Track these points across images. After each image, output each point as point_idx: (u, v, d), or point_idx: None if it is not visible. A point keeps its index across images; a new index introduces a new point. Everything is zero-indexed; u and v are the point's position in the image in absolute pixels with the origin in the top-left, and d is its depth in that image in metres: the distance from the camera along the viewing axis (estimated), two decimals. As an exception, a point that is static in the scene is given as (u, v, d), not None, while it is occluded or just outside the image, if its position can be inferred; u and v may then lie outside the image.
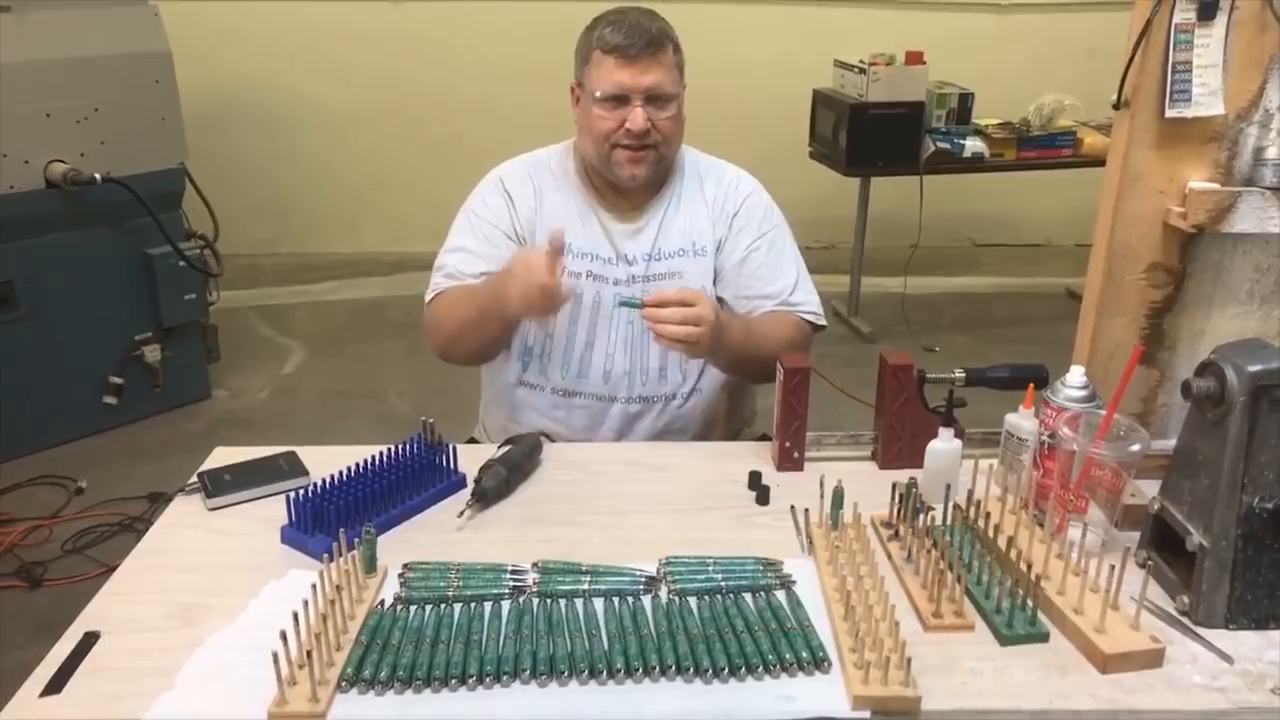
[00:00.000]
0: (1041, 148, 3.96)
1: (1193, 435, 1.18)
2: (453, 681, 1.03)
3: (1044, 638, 1.12)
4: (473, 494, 1.38)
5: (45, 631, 1.20)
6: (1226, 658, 1.09)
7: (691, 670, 1.05)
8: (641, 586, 1.19)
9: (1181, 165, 1.31)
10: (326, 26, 4.61)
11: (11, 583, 2.49)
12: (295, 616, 1.04)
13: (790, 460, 1.48)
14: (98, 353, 3.18)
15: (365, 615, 1.13)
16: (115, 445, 3.17)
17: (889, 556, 1.26)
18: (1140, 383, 1.40)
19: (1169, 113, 1.26)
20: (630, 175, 1.62)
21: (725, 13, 4.68)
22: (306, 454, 1.48)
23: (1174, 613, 1.16)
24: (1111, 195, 1.32)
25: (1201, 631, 1.13)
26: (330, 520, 1.26)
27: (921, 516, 1.26)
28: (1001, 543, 1.21)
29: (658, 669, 1.05)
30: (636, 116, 1.57)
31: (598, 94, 1.59)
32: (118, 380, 3.21)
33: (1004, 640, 1.11)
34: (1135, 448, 1.20)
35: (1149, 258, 1.35)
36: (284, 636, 1.00)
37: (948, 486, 1.28)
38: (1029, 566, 1.13)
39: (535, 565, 1.23)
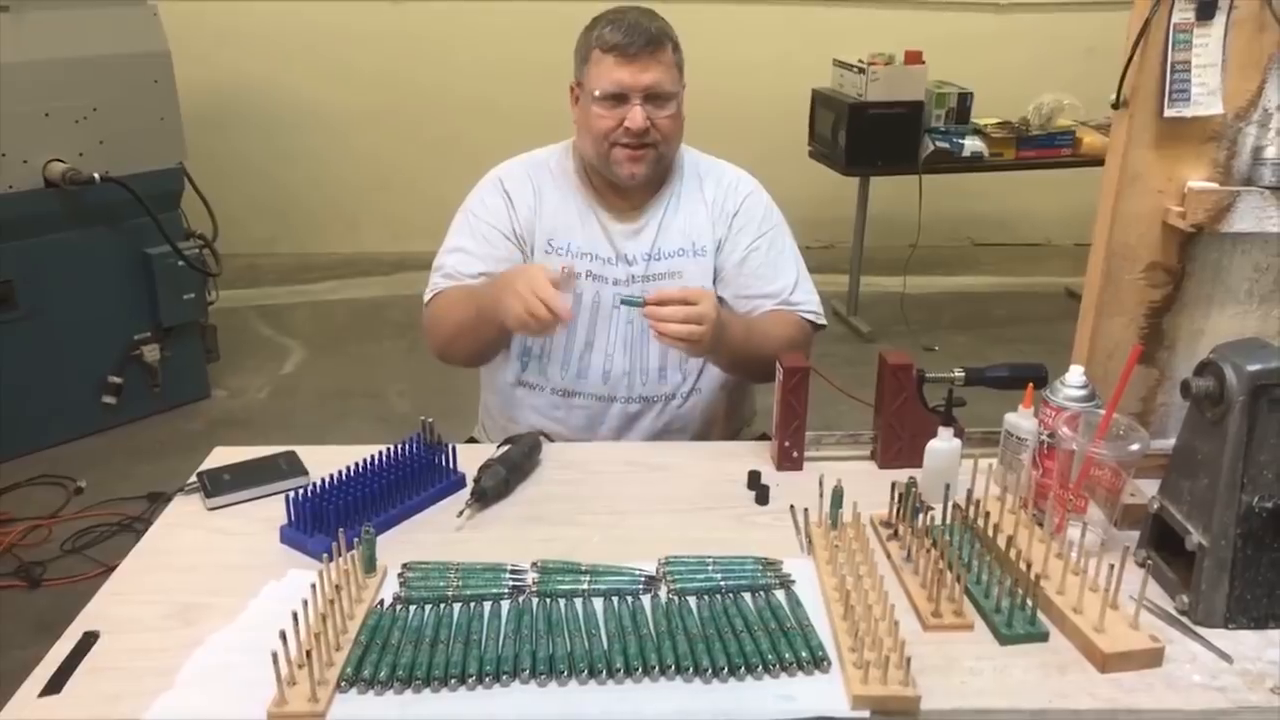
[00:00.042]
0: (1040, 147, 3.96)
1: (1192, 435, 1.18)
2: (452, 681, 1.03)
3: (1043, 637, 1.12)
4: (472, 494, 1.38)
5: (44, 631, 1.20)
6: (1226, 657, 1.09)
7: (691, 670, 1.05)
8: (641, 586, 1.19)
9: (1180, 165, 1.31)
10: (326, 26, 4.61)
11: (11, 582, 2.49)
12: (295, 616, 1.04)
13: (790, 460, 1.48)
14: (97, 352, 3.18)
15: (365, 615, 1.13)
16: (114, 445, 3.16)
17: (888, 556, 1.26)
18: (1139, 382, 1.40)
19: (1168, 112, 1.26)
20: (629, 174, 1.62)
21: (725, 13, 4.68)
22: (306, 454, 1.48)
23: (1173, 612, 1.16)
24: (1110, 195, 1.32)
25: (1201, 631, 1.13)
26: (330, 520, 1.26)
27: (921, 516, 1.26)
28: (1001, 542, 1.21)
29: (657, 669, 1.05)
30: (636, 115, 1.57)
31: (597, 93, 1.59)
32: (117, 380, 3.21)
33: (1003, 640, 1.11)
34: (1134, 447, 1.20)
35: (1148, 257, 1.35)
36: (283, 636, 1.00)
37: (947, 486, 1.28)
38: (1028, 566, 1.13)
39: (535, 565, 1.23)
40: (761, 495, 1.41)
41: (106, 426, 3.22)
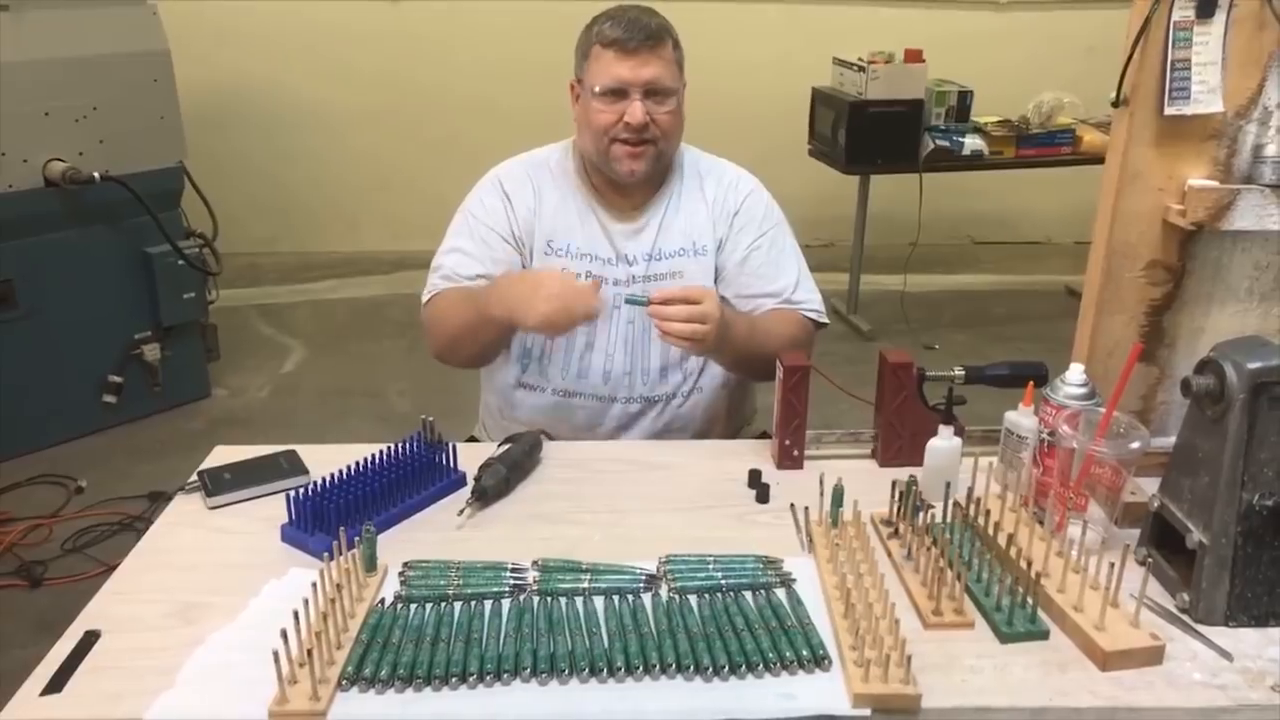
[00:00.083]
0: (1041, 145, 3.96)
1: (1192, 433, 1.18)
2: (453, 680, 1.03)
3: (1044, 635, 1.12)
4: (473, 492, 1.38)
5: (45, 630, 1.20)
6: (1226, 655, 1.09)
7: (692, 668, 1.05)
8: (642, 585, 1.19)
9: (1181, 163, 1.31)
10: (326, 26, 4.61)
11: (12, 582, 2.49)
12: (296, 615, 1.04)
13: (790, 458, 1.48)
14: (97, 352, 3.18)
15: (366, 614, 1.13)
16: (115, 444, 3.17)
17: (889, 554, 1.26)
18: (1140, 380, 1.40)
19: (1168, 110, 1.26)
20: (629, 170, 1.62)
21: (725, 12, 4.68)
22: (306, 453, 1.48)
23: (1174, 610, 1.16)
24: (1111, 193, 1.32)
25: (1201, 629, 1.13)
26: (330, 519, 1.26)
27: (921, 514, 1.26)
28: (1001, 540, 1.21)
29: (658, 667, 1.05)
30: (635, 110, 1.57)
31: (597, 88, 1.59)
32: (117, 379, 3.21)
33: (1004, 638, 1.11)
34: (1135, 445, 1.20)
35: (1148, 255, 1.35)
36: (284, 635, 1.00)
37: (947, 484, 1.28)
38: (1029, 564, 1.13)
39: (535, 563, 1.23)
40: (762, 494, 1.41)
41: (107, 426, 3.22)
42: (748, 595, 1.17)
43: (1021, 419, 1.34)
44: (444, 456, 1.44)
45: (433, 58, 4.72)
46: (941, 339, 4.04)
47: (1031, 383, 1.35)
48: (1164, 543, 1.22)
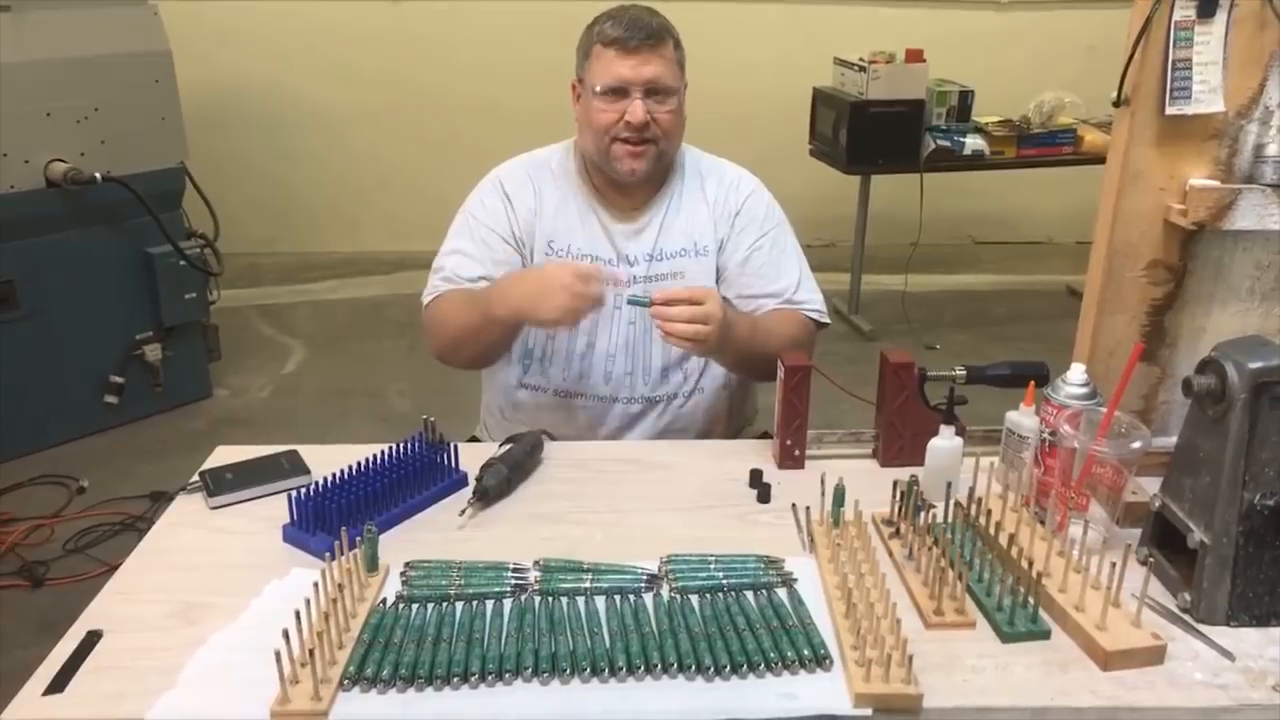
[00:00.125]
0: (1042, 145, 3.96)
1: (1194, 432, 1.18)
2: (455, 680, 1.03)
3: (1045, 635, 1.12)
4: (474, 492, 1.38)
5: (47, 631, 1.20)
6: (1228, 655, 1.09)
7: (693, 668, 1.05)
8: (643, 584, 1.19)
9: (1182, 162, 1.31)
10: (326, 26, 4.61)
11: (13, 582, 2.49)
12: (297, 615, 1.04)
13: (791, 458, 1.48)
14: (98, 352, 3.18)
15: (367, 614, 1.13)
16: (116, 444, 3.17)
17: (890, 554, 1.26)
18: (1141, 380, 1.40)
19: (1169, 110, 1.26)
20: (630, 170, 1.62)
21: (726, 12, 4.67)
22: (308, 453, 1.48)
23: (1175, 610, 1.16)
24: (1112, 193, 1.32)
25: (1203, 628, 1.13)
26: (332, 519, 1.26)
27: (923, 514, 1.26)
28: (1003, 540, 1.21)
29: (659, 667, 1.05)
30: (636, 109, 1.57)
31: (598, 87, 1.59)
32: (118, 379, 3.21)
33: (1005, 637, 1.11)
34: (1136, 445, 1.20)
35: (1149, 255, 1.35)
36: (286, 635, 1.00)
37: (949, 484, 1.28)
38: (1030, 564, 1.13)
39: (537, 563, 1.23)
40: (763, 494, 1.41)
41: (108, 426, 3.22)
42: (749, 595, 1.17)
43: (1023, 419, 1.34)
44: (445, 456, 1.44)
45: (433, 58, 4.72)
46: (943, 339, 4.04)
47: (1033, 382, 1.35)
48: (1165, 542, 1.22)
